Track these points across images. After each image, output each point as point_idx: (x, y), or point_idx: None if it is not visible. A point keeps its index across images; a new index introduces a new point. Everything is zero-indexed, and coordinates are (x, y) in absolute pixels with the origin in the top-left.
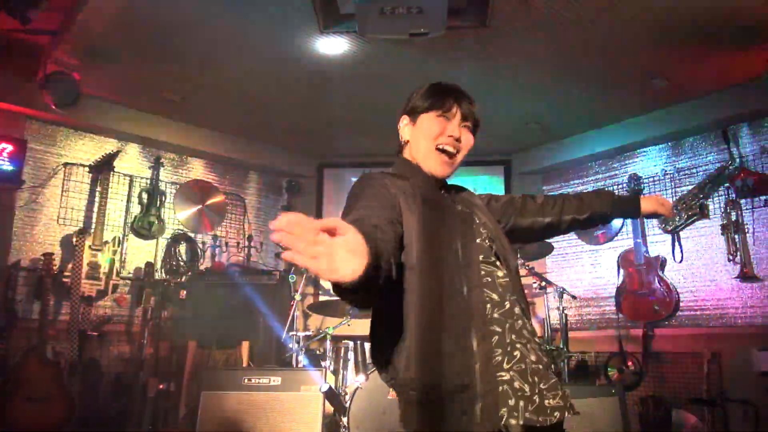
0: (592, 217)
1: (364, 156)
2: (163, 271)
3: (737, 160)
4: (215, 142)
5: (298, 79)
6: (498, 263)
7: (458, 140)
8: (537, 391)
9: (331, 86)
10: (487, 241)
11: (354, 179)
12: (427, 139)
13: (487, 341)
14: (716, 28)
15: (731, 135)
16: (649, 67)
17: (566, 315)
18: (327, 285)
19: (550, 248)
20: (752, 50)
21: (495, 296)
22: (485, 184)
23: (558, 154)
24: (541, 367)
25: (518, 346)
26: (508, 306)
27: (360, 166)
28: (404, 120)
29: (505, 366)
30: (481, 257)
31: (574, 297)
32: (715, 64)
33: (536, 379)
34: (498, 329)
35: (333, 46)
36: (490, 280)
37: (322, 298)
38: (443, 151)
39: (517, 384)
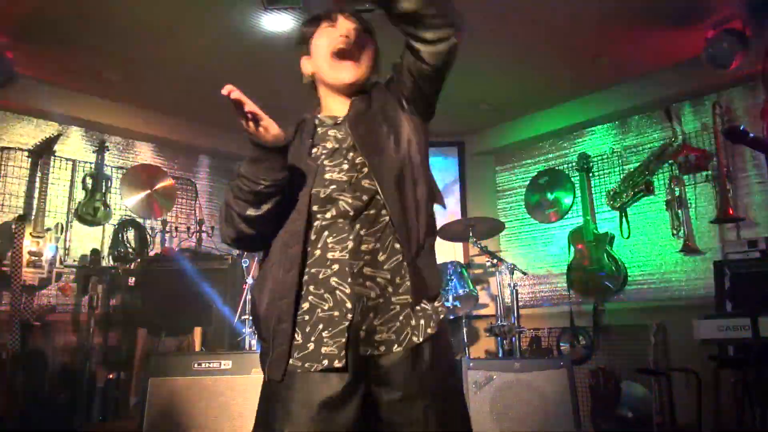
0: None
1: None
2: (110, 258)
3: (680, 137)
4: (162, 125)
5: (243, 58)
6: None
7: (348, 37)
8: (365, 326)
9: (279, 65)
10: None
11: None
12: (322, 53)
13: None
14: (656, 7)
15: (674, 113)
16: (594, 46)
17: (517, 291)
18: None
19: (501, 227)
20: (691, 29)
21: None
22: (440, 165)
23: (510, 134)
24: (382, 301)
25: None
26: (351, 246)
27: None
28: (303, 60)
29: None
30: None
31: (524, 273)
32: (656, 43)
33: (371, 314)
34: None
35: (278, 23)
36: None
37: None
38: (337, 53)
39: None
